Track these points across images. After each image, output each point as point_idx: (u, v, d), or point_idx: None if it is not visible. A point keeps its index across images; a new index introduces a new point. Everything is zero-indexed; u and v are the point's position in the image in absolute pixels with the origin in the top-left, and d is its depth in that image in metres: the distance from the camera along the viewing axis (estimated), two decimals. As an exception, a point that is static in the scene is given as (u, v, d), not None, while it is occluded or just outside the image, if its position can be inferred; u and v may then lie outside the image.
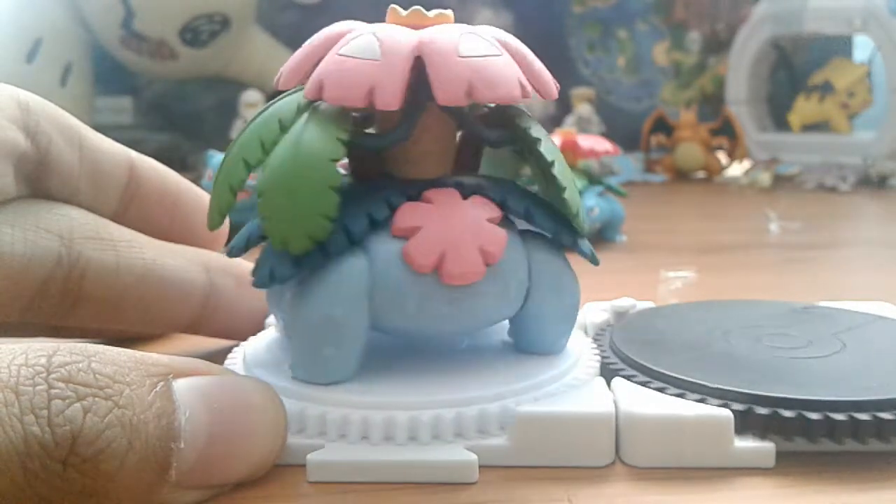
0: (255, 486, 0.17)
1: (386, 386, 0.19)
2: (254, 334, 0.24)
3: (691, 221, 0.60)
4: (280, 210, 0.18)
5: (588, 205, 0.45)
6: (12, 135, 0.21)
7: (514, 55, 0.19)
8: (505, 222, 0.20)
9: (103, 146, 0.24)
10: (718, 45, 0.93)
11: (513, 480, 0.18)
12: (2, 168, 0.21)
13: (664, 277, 0.38)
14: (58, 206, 0.22)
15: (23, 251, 0.21)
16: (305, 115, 0.19)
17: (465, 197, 0.19)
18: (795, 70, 0.91)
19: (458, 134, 0.21)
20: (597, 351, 0.22)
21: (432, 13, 0.20)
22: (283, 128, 0.18)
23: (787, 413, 0.18)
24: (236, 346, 0.23)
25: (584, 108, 0.83)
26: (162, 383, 0.16)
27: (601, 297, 0.27)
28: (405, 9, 0.20)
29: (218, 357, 0.22)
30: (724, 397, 0.19)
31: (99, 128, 0.25)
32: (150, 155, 0.26)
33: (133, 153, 0.25)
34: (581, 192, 0.46)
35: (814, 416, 0.18)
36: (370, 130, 0.21)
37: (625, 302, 0.26)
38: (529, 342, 0.21)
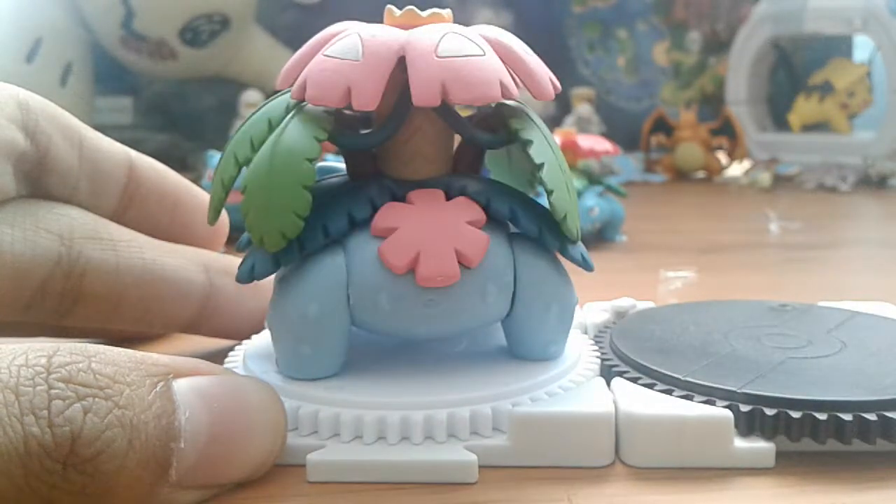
0: (255, 486, 0.17)
1: (389, 386, 0.19)
2: (254, 334, 0.24)
3: (691, 221, 0.60)
4: (257, 207, 0.18)
5: (588, 205, 0.45)
6: (11, 134, 0.21)
7: (506, 54, 0.19)
8: (493, 225, 0.19)
9: (103, 146, 0.24)
10: (718, 45, 0.93)
11: (513, 480, 0.18)
12: (1, 167, 0.21)
13: (664, 277, 0.38)
14: (58, 205, 0.22)
15: (23, 251, 0.21)
16: (290, 115, 0.19)
17: (450, 198, 0.19)
18: (795, 70, 0.91)
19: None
20: (597, 351, 0.22)
21: (426, 13, 0.20)
22: (272, 127, 0.19)
23: (794, 414, 0.18)
24: (236, 345, 0.23)
25: (584, 108, 0.83)
26: (162, 383, 0.16)
27: (601, 297, 0.27)
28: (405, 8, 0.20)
29: (218, 357, 0.22)
30: (728, 398, 0.19)
31: (99, 128, 0.25)
32: (150, 155, 0.26)
33: (133, 153, 0.25)
34: (581, 192, 0.46)
35: (821, 416, 0.18)
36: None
37: (625, 302, 0.26)
38: (519, 348, 0.20)
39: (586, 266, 0.20)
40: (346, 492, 0.17)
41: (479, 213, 0.19)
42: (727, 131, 0.82)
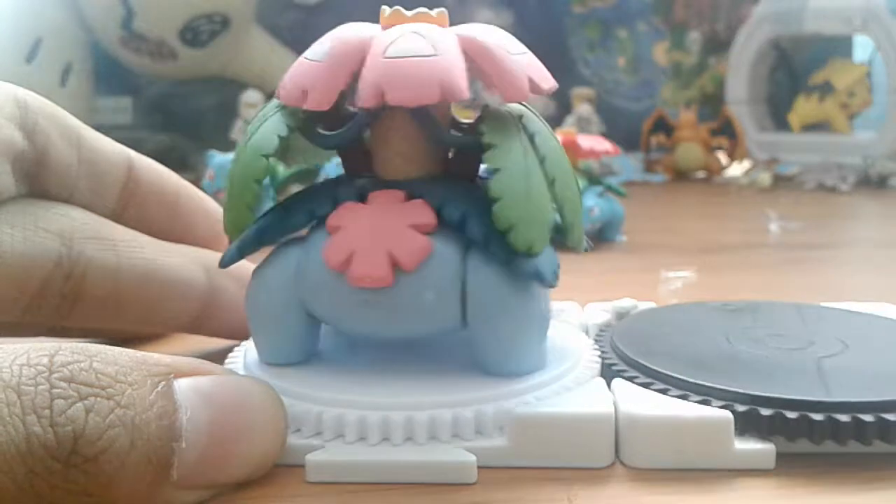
0: (254, 486, 0.17)
1: (387, 386, 0.19)
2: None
3: (691, 221, 0.60)
4: (227, 198, 0.20)
5: (588, 205, 0.45)
6: (10, 133, 0.21)
7: (477, 54, 0.18)
8: (448, 232, 0.19)
9: (102, 145, 0.24)
10: (718, 45, 0.93)
11: (512, 481, 0.18)
12: (0, 166, 0.21)
13: (664, 277, 0.38)
14: (58, 205, 0.22)
15: (23, 251, 0.21)
16: (272, 113, 0.20)
17: (411, 200, 0.19)
18: (795, 70, 0.91)
19: None
20: (598, 351, 0.22)
21: (411, 12, 0.20)
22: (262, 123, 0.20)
23: (791, 414, 0.18)
24: (236, 346, 0.23)
25: (584, 108, 0.83)
26: (163, 383, 0.16)
27: (601, 297, 0.27)
28: (408, 9, 0.20)
29: (218, 357, 0.22)
30: (726, 398, 0.19)
31: (99, 128, 0.25)
32: (149, 155, 0.26)
33: (132, 153, 0.25)
34: (581, 192, 0.46)
35: (817, 417, 0.18)
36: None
37: (626, 302, 0.26)
38: (481, 362, 0.20)
39: (541, 281, 0.19)
40: (346, 492, 0.17)
41: (427, 218, 0.19)
42: (727, 131, 0.82)
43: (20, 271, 0.21)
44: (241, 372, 0.21)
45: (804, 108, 0.84)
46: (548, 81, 0.20)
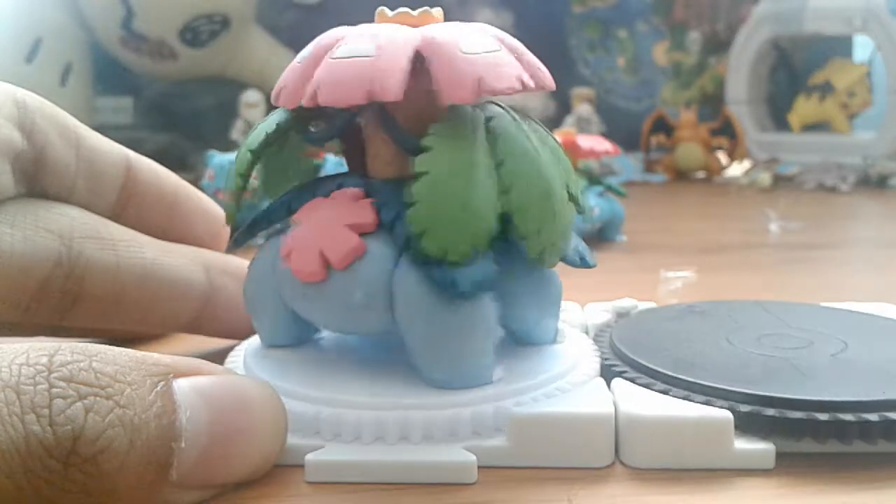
0: (254, 486, 0.17)
1: (387, 387, 0.19)
2: (254, 334, 0.24)
3: (691, 221, 0.60)
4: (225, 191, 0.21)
5: (588, 205, 0.45)
6: (8, 132, 0.21)
7: (434, 53, 0.18)
8: (389, 233, 0.19)
9: (100, 145, 0.24)
10: (718, 45, 0.93)
11: (512, 481, 0.18)
12: None
13: (664, 277, 0.38)
14: (57, 205, 0.22)
15: (23, 250, 0.21)
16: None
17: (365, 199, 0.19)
18: (795, 70, 0.91)
19: None
20: (597, 351, 0.22)
21: (393, 12, 0.20)
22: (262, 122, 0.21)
23: (795, 414, 0.18)
24: (236, 345, 0.23)
25: (584, 108, 0.83)
26: (163, 383, 0.16)
27: (601, 297, 0.27)
28: (413, 8, 0.20)
29: (218, 357, 0.22)
30: (728, 398, 0.19)
31: (99, 128, 0.25)
32: (149, 155, 0.26)
33: (131, 153, 0.25)
34: (581, 192, 0.46)
35: (822, 416, 0.18)
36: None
37: (626, 302, 0.26)
38: (414, 366, 0.19)
39: (454, 290, 0.18)
40: (345, 492, 0.17)
41: (366, 218, 0.19)
42: (727, 131, 0.82)
43: (20, 271, 0.21)
44: (242, 372, 0.21)
45: (804, 108, 0.84)
46: (505, 81, 0.18)
